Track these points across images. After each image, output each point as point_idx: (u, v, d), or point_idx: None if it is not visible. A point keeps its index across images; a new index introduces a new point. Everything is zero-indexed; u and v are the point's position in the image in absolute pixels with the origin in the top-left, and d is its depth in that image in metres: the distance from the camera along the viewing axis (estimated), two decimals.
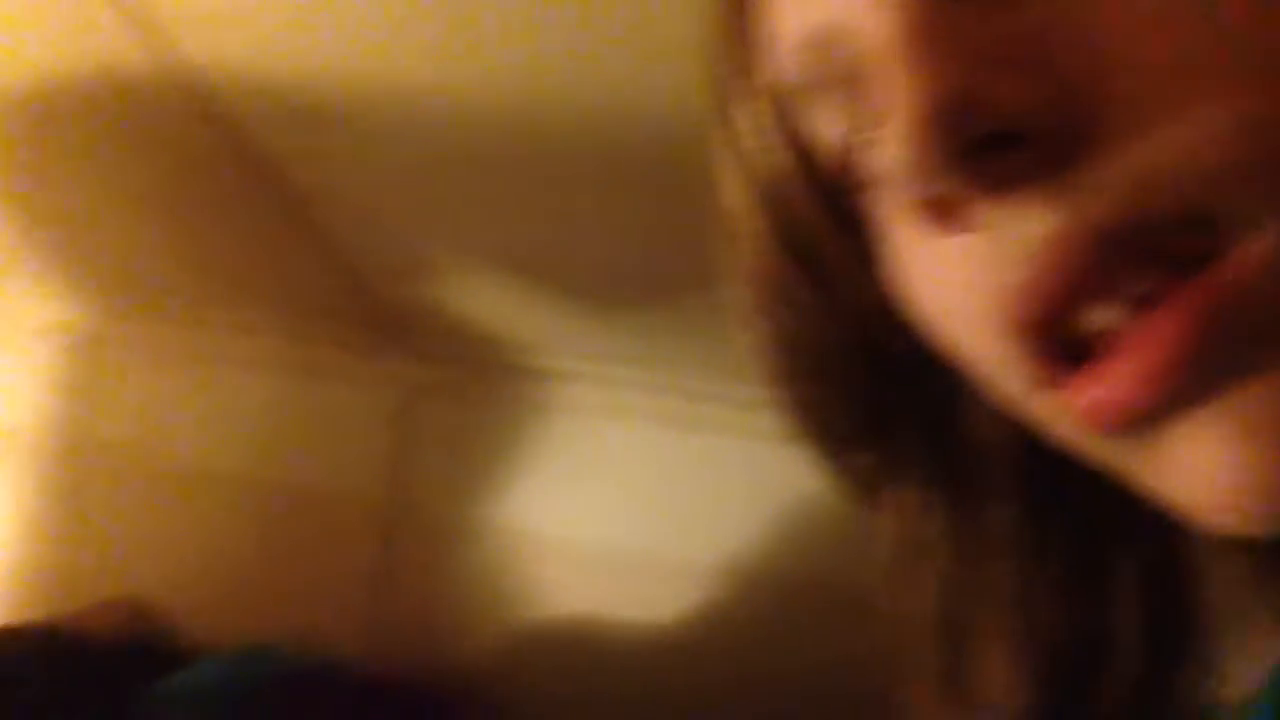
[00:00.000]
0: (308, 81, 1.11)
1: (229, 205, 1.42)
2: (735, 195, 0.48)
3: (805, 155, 0.45)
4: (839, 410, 0.50)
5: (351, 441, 1.68)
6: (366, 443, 1.66)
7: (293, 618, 1.71)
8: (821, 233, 0.46)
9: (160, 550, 1.85)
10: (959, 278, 0.37)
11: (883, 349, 0.47)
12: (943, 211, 0.35)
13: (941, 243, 0.37)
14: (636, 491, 1.50)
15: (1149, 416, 0.32)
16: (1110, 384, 0.33)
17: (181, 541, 1.83)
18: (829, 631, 1.38)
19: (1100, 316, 0.34)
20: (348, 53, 1.07)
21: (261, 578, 1.76)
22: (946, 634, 0.49)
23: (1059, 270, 0.33)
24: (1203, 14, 0.30)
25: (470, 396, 1.61)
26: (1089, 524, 0.47)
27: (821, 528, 1.40)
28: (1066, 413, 0.36)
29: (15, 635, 1.70)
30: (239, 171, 1.31)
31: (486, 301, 1.47)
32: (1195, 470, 0.32)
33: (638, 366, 1.48)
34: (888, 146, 0.33)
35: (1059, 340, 0.35)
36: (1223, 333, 0.31)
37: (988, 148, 0.32)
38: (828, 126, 0.44)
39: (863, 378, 0.49)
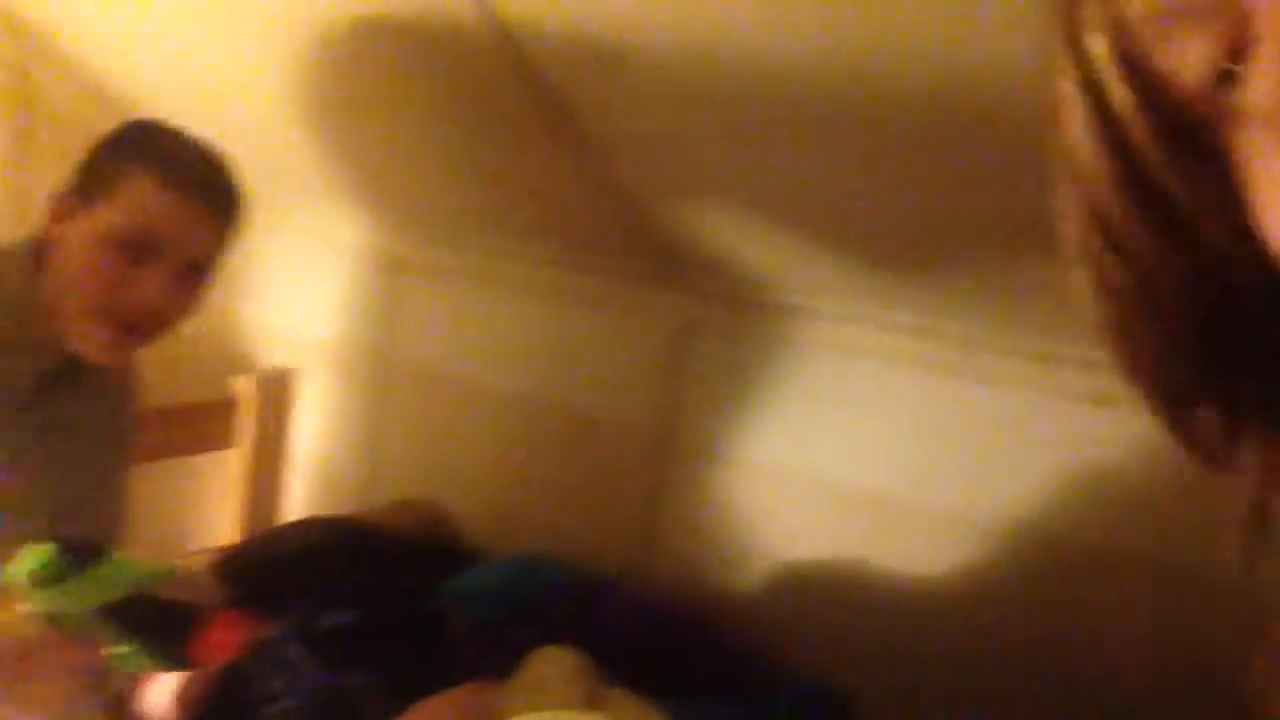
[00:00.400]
0: (605, 25, 1.14)
1: (522, 146, 1.49)
2: (1079, 132, 0.46)
3: (1160, 88, 0.43)
4: (1181, 362, 0.47)
5: (626, 370, 1.75)
6: (640, 372, 1.73)
7: (569, 532, 1.83)
8: (1170, 171, 0.43)
9: (450, 459, 2.01)
10: None
11: (1231, 294, 0.45)
12: None
13: None
14: (905, 438, 1.47)
15: None
16: None
17: (469, 453, 1.98)
18: (1104, 598, 1.32)
19: None
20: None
21: (541, 493, 1.88)
22: None
23: None
24: None
25: (740, 333, 1.63)
26: None
27: (1098, 490, 1.33)
28: None
29: (324, 526, 1.91)
30: (534, 113, 1.38)
31: (760, 241, 1.48)
32: None
33: (913, 312, 1.44)
34: (1263, 76, 0.31)
35: None
36: None
37: None
38: (1190, 57, 0.41)
39: (1208, 325, 0.46)
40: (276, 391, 2.20)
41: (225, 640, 1.07)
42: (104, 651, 1.04)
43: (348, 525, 1.88)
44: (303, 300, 2.20)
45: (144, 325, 1.21)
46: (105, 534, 1.50)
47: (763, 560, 1.61)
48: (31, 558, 0.98)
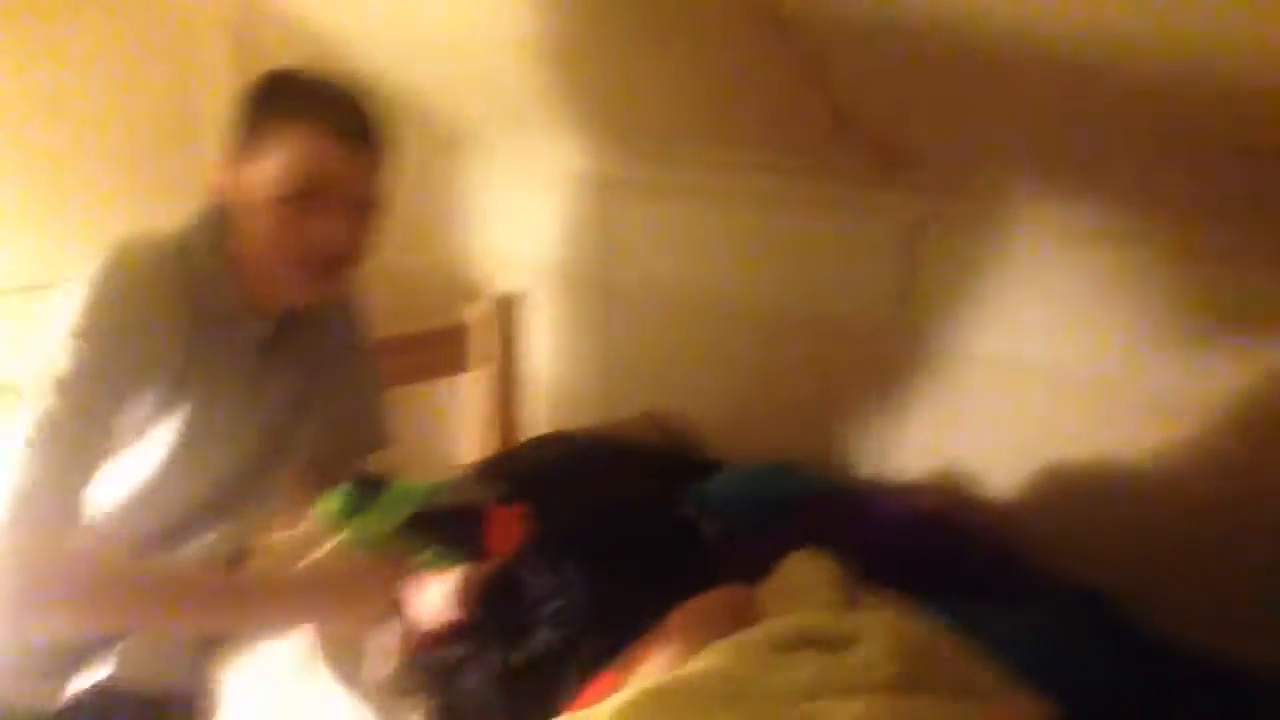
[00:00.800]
0: None
1: (744, 53, 1.45)
2: None
3: None
4: None
5: (857, 271, 1.70)
6: (871, 272, 1.67)
7: (807, 438, 1.82)
8: None
9: (683, 372, 2.03)
10: None
11: None
12: None
13: None
14: (1133, 327, 1.39)
15: None
16: None
17: (701, 364, 1.99)
18: None
19: None
20: None
21: (777, 400, 1.88)
22: None
23: None
24: None
25: (968, 227, 1.55)
26: None
27: None
28: None
29: (566, 439, 1.98)
30: (754, 19, 1.33)
31: (984, 136, 1.39)
32: None
33: (1129, 208, 1.35)
34: None
35: None
36: None
37: None
38: None
39: None
40: (507, 315, 2.28)
41: (509, 531, 1.21)
42: (410, 563, 1.21)
43: (589, 438, 1.93)
44: (528, 226, 2.26)
45: (333, 265, 1.26)
46: (371, 453, 1.62)
47: (1010, 456, 1.55)
48: (332, 499, 1.16)
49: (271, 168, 1.19)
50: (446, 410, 2.41)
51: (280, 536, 1.58)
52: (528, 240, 2.26)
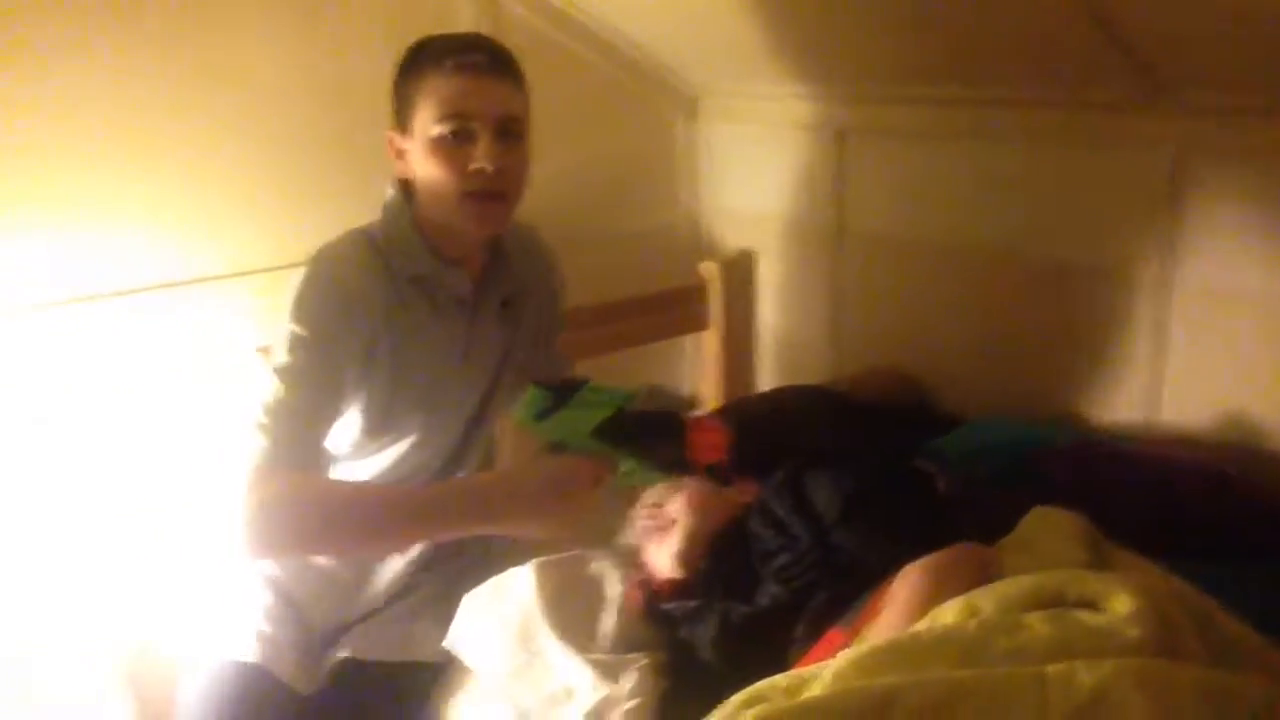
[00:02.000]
0: None
1: None
2: None
3: None
4: None
5: (1113, 207, 1.57)
6: (1130, 207, 1.54)
7: (1055, 389, 1.72)
8: None
9: (919, 323, 1.96)
10: None
11: None
12: None
13: None
14: None
15: None
16: None
17: (938, 315, 1.91)
18: None
19: None
20: None
21: (1021, 349, 1.78)
22: None
23: None
24: None
25: (1240, 151, 1.40)
26: None
27: None
28: None
29: (798, 392, 1.96)
30: None
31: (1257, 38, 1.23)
32: None
33: None
34: None
35: None
36: None
37: None
38: None
39: None
40: (742, 272, 2.27)
41: (712, 441, 1.17)
42: (609, 467, 1.18)
43: (821, 392, 1.91)
44: (763, 182, 2.24)
45: (498, 192, 1.35)
46: None
47: None
48: (525, 398, 1.15)
49: (419, 120, 1.32)
50: (682, 368, 2.45)
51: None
52: (763, 196, 2.24)
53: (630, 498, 1.48)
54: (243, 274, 1.75)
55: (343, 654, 1.39)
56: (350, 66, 1.81)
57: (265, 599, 1.42)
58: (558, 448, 1.20)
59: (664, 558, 1.36)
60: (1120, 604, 0.94)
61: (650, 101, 2.27)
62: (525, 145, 1.38)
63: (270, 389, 1.26)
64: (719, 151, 2.32)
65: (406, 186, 1.40)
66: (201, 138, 1.68)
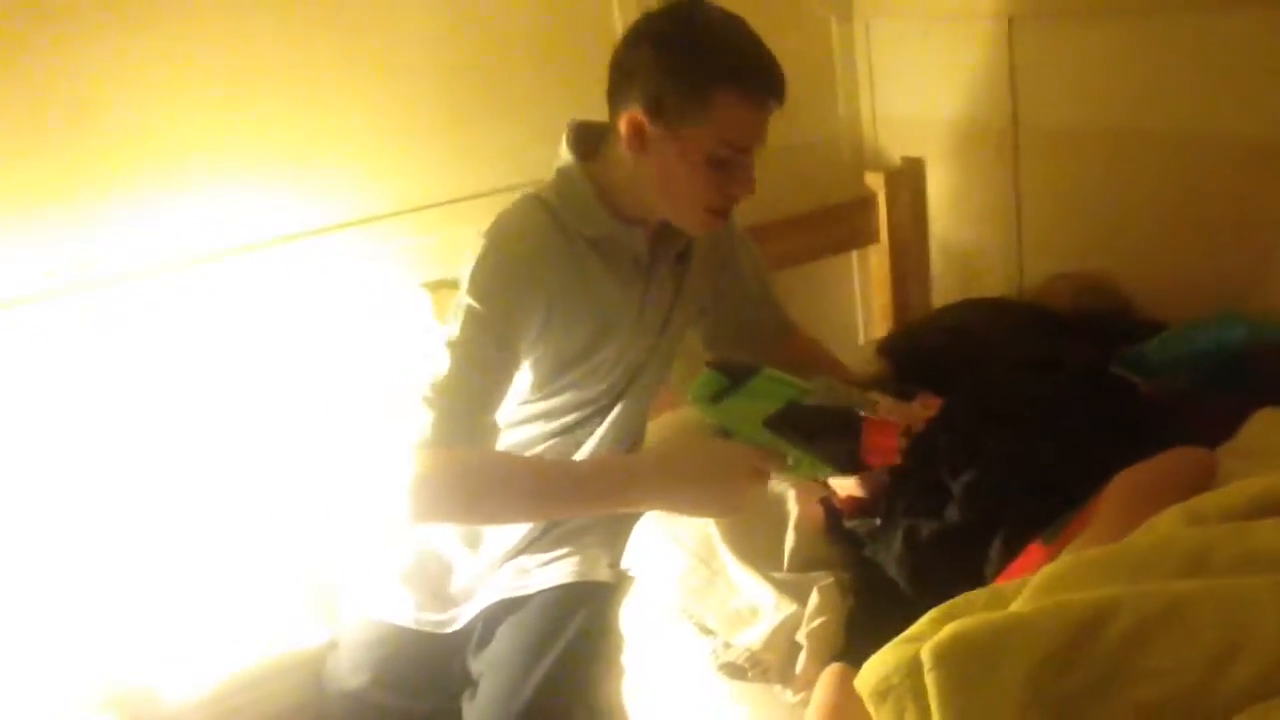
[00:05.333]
0: None
1: None
2: None
3: None
4: None
5: None
6: None
7: (1263, 282, 1.56)
8: None
9: (1105, 222, 1.81)
10: None
11: None
12: None
13: None
14: None
15: None
16: None
17: (1126, 212, 1.77)
18: None
19: None
20: None
21: (1219, 242, 1.62)
22: None
23: None
24: None
25: None
26: None
27: None
28: None
29: (978, 305, 1.86)
30: None
31: None
32: None
33: None
34: None
35: None
36: None
37: None
38: None
39: None
40: (908, 181, 2.16)
41: (885, 444, 1.09)
42: (777, 460, 1.13)
43: (1003, 303, 1.80)
44: (922, 82, 2.11)
45: (730, 206, 1.34)
46: (775, 339, 1.67)
47: None
48: (699, 380, 1.12)
49: (703, 135, 1.25)
50: (851, 286, 2.36)
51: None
52: (928, 97, 2.10)
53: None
54: (405, 212, 1.77)
55: (499, 591, 1.41)
56: (503, 3, 1.79)
57: (408, 559, 1.47)
58: (726, 433, 1.17)
59: (847, 486, 1.32)
60: None
61: (801, 2, 2.16)
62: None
63: (443, 363, 1.25)
64: (878, 52, 2.19)
65: (582, 146, 1.36)
66: (356, 77, 1.69)
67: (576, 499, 1.24)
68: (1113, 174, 1.78)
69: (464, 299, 1.28)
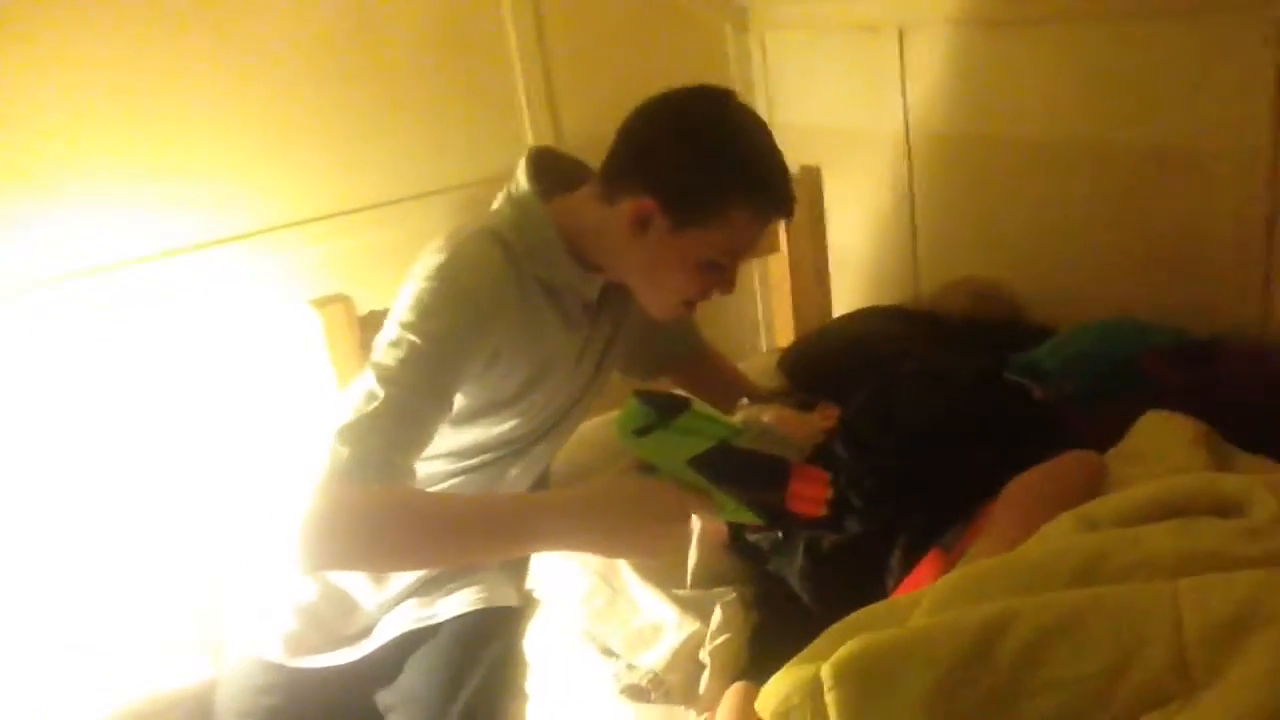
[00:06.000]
0: None
1: None
2: None
3: None
4: None
5: (1220, 88, 1.44)
6: (1238, 88, 1.41)
7: (1157, 289, 1.59)
8: None
9: (1002, 230, 1.84)
10: None
11: None
12: None
13: None
14: None
15: None
16: None
17: (1024, 219, 1.79)
18: None
19: None
20: None
21: (1116, 249, 1.65)
22: None
23: None
24: None
25: None
26: None
27: None
28: None
29: (877, 313, 1.88)
30: None
31: None
32: None
33: None
34: None
35: None
36: None
37: None
38: None
39: None
40: (807, 190, 2.16)
41: (812, 493, 1.05)
42: (703, 500, 1.07)
43: (900, 311, 1.82)
44: (817, 91, 2.12)
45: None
46: (685, 361, 1.63)
47: None
48: (624, 411, 1.06)
49: (706, 239, 1.22)
50: (751, 295, 2.37)
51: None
52: (823, 107, 2.12)
53: None
54: (291, 225, 1.70)
55: (405, 622, 1.35)
56: (391, 11, 1.75)
57: (305, 593, 1.37)
58: (649, 468, 1.11)
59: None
60: (1265, 508, 0.85)
61: (697, 13, 2.16)
62: None
63: (368, 396, 1.11)
64: (775, 62, 2.20)
65: (543, 179, 1.28)
66: (239, 87, 1.63)
67: (498, 541, 1.12)
68: (1004, 182, 1.82)
69: (404, 331, 1.15)
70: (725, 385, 1.61)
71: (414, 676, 1.29)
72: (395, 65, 1.76)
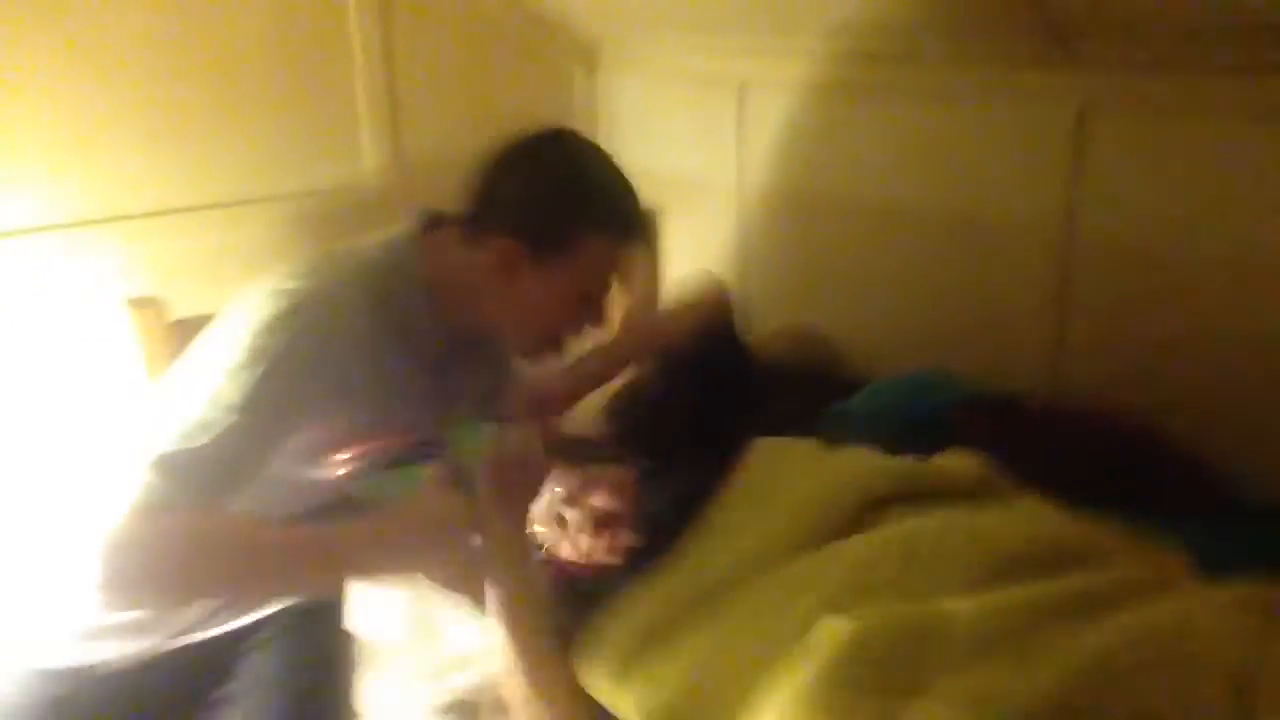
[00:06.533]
0: None
1: None
2: None
3: None
4: None
5: (1020, 163, 1.56)
6: (1036, 164, 1.54)
7: (962, 346, 1.71)
8: None
9: (825, 281, 1.93)
10: None
11: None
12: None
13: None
14: None
15: None
16: None
17: (846, 272, 1.89)
18: None
19: None
20: None
21: (928, 307, 1.76)
22: None
23: None
24: None
25: (1148, 108, 1.41)
26: None
27: None
28: None
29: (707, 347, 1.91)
30: None
31: None
32: None
33: None
34: None
35: None
36: None
37: None
38: None
39: None
40: (644, 232, 2.21)
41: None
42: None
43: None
44: (660, 137, 2.18)
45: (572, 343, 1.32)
46: None
47: (1198, 357, 1.42)
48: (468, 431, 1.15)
49: (566, 273, 1.22)
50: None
51: None
52: (665, 153, 2.18)
53: None
54: (110, 220, 1.61)
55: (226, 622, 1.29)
56: (231, 10, 1.69)
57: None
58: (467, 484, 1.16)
59: (603, 549, 1.30)
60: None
61: (546, 51, 2.18)
62: None
63: (196, 424, 1.02)
64: (620, 107, 2.25)
65: (418, 229, 1.27)
66: (64, 71, 1.54)
67: (309, 571, 1.08)
68: (829, 238, 1.91)
69: (243, 357, 1.07)
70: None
71: (244, 681, 1.25)
72: (231, 66, 1.70)
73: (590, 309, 1.28)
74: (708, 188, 2.10)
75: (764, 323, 2.01)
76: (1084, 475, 1.18)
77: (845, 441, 1.46)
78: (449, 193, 1.41)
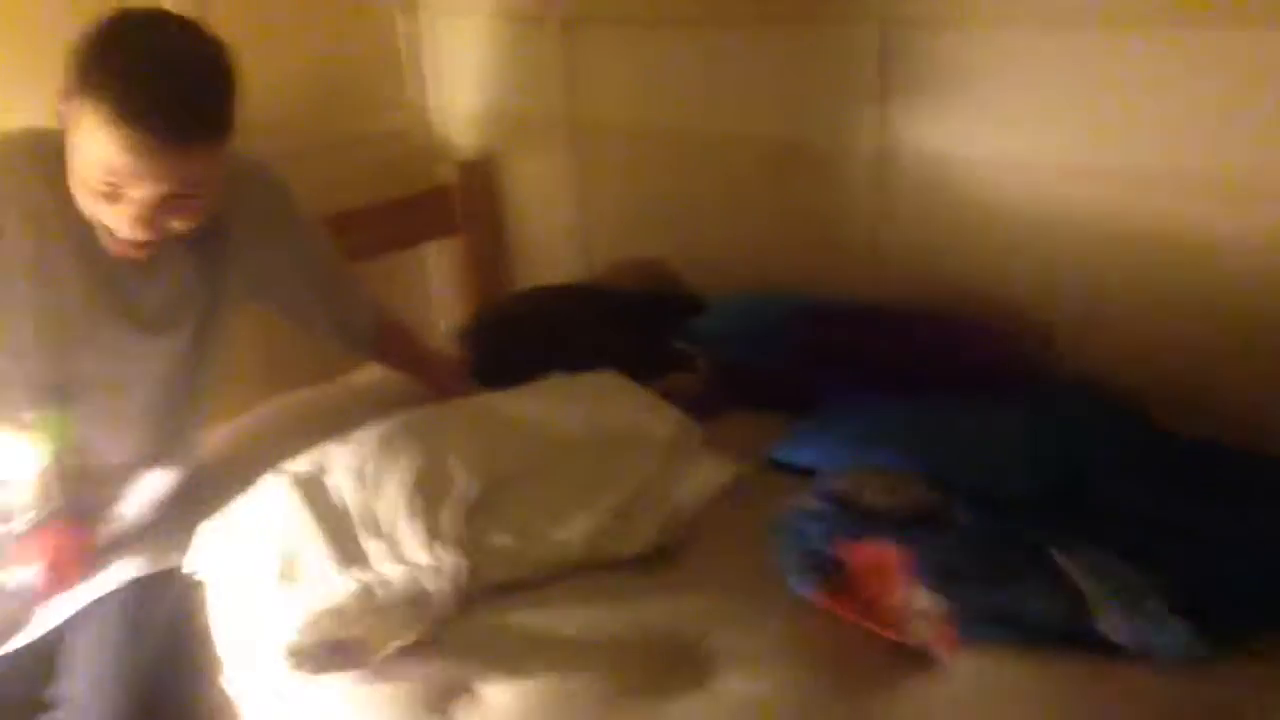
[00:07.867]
0: None
1: None
2: None
3: None
4: None
5: (836, 85, 1.65)
6: (850, 84, 1.62)
7: (794, 264, 1.79)
8: None
9: (663, 211, 1.98)
10: None
11: None
12: None
13: None
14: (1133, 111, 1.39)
15: None
16: None
17: (682, 201, 1.95)
18: None
19: None
20: None
21: (760, 229, 1.84)
22: None
23: None
24: None
25: (951, 26, 1.50)
26: None
27: None
28: None
29: (552, 291, 1.95)
30: None
31: None
32: None
33: None
34: None
35: None
36: None
37: None
38: None
39: None
40: (482, 174, 2.21)
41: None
42: None
43: (575, 288, 1.90)
44: (489, 78, 2.17)
45: (145, 242, 1.14)
46: (362, 323, 1.54)
47: (995, 252, 1.55)
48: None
49: (81, 152, 1.07)
50: (430, 278, 2.36)
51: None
52: (495, 93, 2.17)
53: None
54: None
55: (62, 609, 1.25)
56: None
57: None
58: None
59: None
60: None
61: None
62: (205, 191, 1.14)
63: None
64: (445, 47, 2.22)
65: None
66: None
67: None
68: (663, 168, 1.96)
69: None
70: (415, 361, 1.63)
71: (79, 661, 1.19)
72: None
73: (115, 194, 1.08)
74: (542, 127, 2.11)
75: (608, 255, 2.05)
76: (906, 365, 1.29)
77: (699, 355, 1.56)
78: (283, 149, 1.37)
